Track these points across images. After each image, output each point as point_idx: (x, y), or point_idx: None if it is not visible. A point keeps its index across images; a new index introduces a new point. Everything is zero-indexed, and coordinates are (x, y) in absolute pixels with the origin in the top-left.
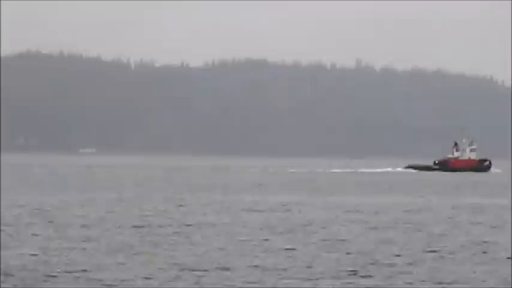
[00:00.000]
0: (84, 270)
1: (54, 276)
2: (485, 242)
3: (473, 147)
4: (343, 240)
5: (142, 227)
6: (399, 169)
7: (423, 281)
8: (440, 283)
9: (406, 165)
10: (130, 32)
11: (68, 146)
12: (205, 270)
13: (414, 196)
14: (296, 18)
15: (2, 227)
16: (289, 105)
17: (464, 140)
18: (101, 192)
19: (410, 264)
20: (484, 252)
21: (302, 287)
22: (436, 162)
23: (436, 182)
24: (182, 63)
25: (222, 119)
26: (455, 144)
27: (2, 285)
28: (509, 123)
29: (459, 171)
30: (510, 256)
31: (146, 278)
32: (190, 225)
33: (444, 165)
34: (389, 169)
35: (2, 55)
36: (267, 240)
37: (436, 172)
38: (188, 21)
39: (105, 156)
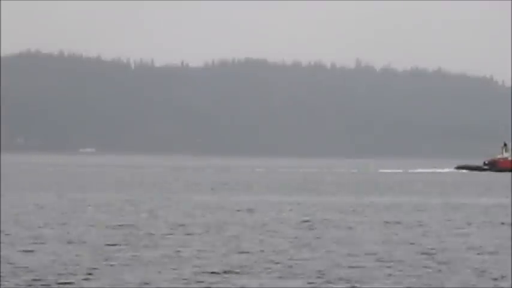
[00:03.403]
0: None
1: (52, 276)
2: None
3: None
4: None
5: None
6: (447, 169)
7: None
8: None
9: (456, 165)
10: (130, 32)
11: (68, 146)
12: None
13: None
14: (296, 18)
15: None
16: (289, 105)
17: None
18: (98, 193)
19: None
20: None
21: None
22: (486, 162)
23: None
24: (182, 63)
25: (222, 119)
26: (505, 144)
27: (2, 285)
28: (509, 123)
29: (508, 171)
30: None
31: (143, 281)
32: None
33: (493, 166)
34: (452, 169)
35: (2, 55)
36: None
37: (488, 172)
38: (188, 21)
39: (105, 156)
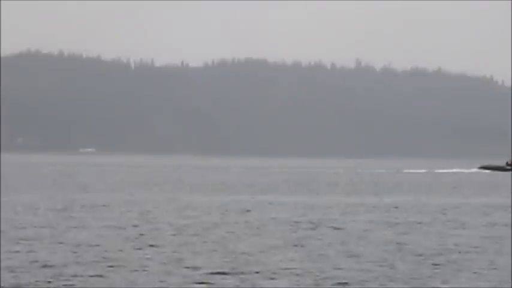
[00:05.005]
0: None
1: (52, 276)
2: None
3: None
4: None
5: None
6: (472, 170)
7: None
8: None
9: (479, 166)
10: (131, 32)
11: (68, 146)
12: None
13: None
14: (296, 18)
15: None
16: (289, 105)
17: None
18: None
19: None
20: None
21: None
22: (509, 163)
23: None
24: (182, 63)
25: (222, 119)
26: None
27: (2, 284)
28: (509, 123)
29: None
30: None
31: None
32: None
33: None
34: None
35: (2, 55)
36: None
37: (510, 173)
38: (188, 21)
39: (105, 156)
